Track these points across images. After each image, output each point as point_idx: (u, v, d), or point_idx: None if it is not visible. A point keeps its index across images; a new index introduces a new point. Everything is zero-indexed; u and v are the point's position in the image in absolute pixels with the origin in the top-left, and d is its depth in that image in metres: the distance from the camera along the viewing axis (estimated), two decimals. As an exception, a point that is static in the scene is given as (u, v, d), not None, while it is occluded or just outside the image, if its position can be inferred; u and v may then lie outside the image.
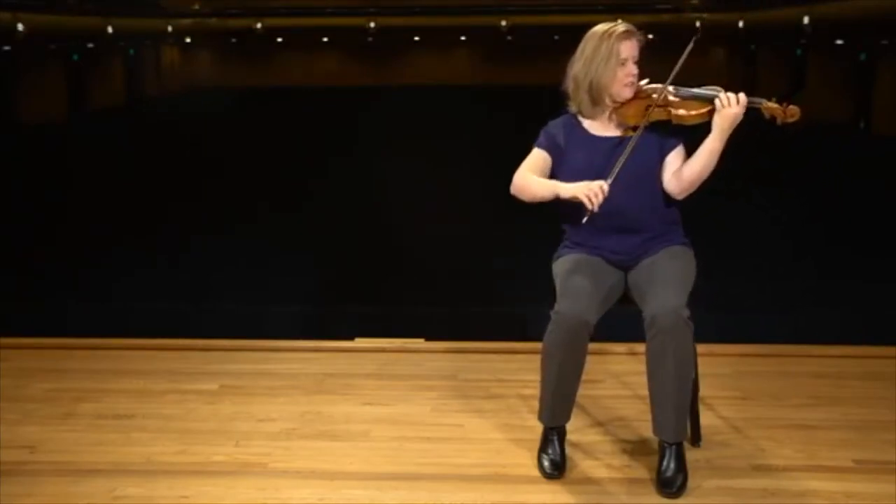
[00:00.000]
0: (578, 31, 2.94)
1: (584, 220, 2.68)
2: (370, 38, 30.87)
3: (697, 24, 25.27)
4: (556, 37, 29.39)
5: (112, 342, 4.07)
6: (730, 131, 2.72)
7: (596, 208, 2.64)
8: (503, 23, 29.41)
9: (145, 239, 9.04)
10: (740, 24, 25.51)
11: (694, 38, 2.84)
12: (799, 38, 22.98)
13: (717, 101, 2.70)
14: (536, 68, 31.78)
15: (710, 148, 2.73)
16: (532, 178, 2.83)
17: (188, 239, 9.17)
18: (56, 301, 6.85)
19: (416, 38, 32.67)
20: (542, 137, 2.91)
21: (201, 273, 7.98)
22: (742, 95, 2.71)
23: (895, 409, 3.26)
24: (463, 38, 32.80)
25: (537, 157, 2.88)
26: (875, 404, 3.32)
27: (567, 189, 2.71)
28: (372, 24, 29.72)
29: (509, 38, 30.66)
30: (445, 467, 2.88)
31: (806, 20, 20.82)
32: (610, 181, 2.67)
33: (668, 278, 2.73)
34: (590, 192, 2.64)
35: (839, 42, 21.23)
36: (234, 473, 2.85)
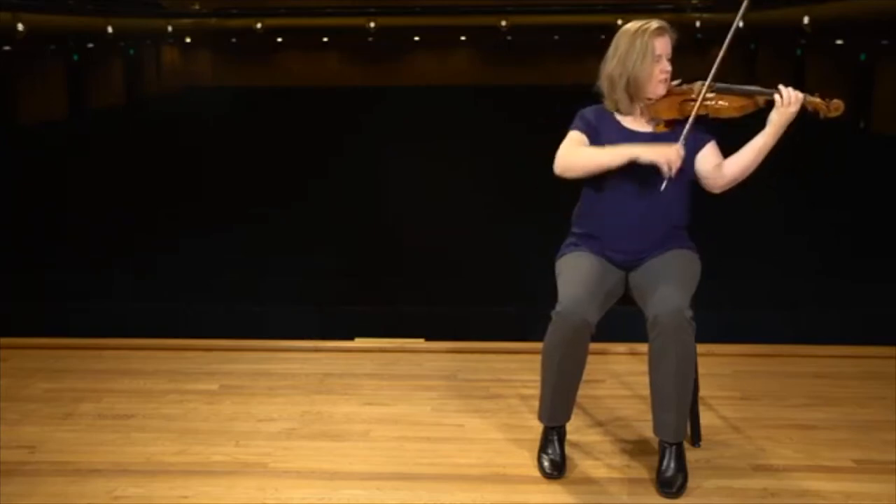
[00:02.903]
0: (578, 31, 2.95)
1: (663, 187, 2.69)
2: (370, 38, 30.86)
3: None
4: (556, 37, 29.42)
5: (112, 342, 4.07)
6: (785, 128, 2.73)
7: (673, 174, 2.66)
8: (503, 23, 29.39)
9: (145, 238, 9.04)
10: (740, 24, 25.49)
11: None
12: (799, 38, 22.98)
13: (777, 99, 2.69)
14: (536, 68, 31.83)
15: (763, 143, 2.74)
16: (591, 149, 2.78)
17: (188, 239, 9.17)
18: (56, 301, 6.84)
19: (416, 38, 32.67)
20: (578, 121, 2.87)
21: (201, 273, 7.98)
22: (798, 92, 2.70)
23: (895, 409, 3.26)
24: (463, 38, 32.78)
25: (578, 139, 2.83)
26: (875, 404, 3.32)
27: (646, 153, 2.67)
28: (372, 24, 29.70)
29: (509, 38, 30.66)
30: (445, 467, 2.88)
31: (806, 20, 20.82)
32: (681, 143, 2.69)
33: (671, 279, 2.73)
34: (669, 158, 2.65)
35: (839, 42, 21.23)
36: (234, 473, 2.85)
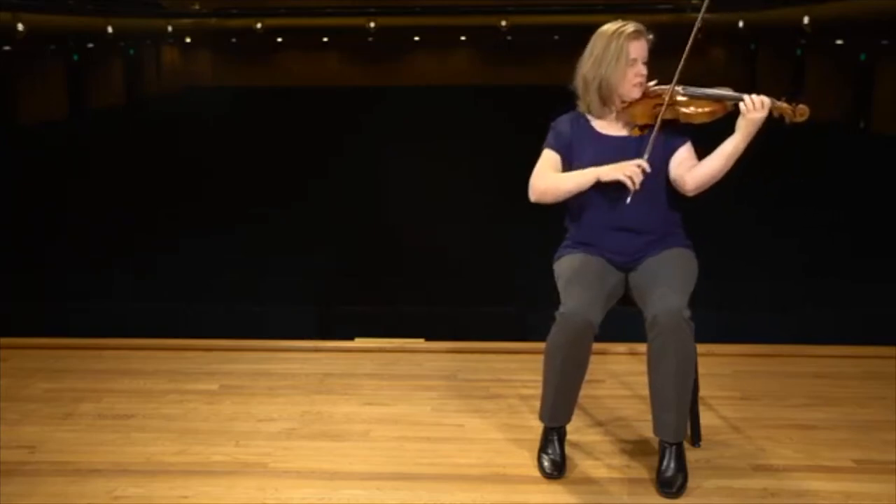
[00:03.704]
0: (578, 31, 2.95)
1: (629, 199, 2.70)
2: (370, 38, 30.87)
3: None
4: (556, 37, 29.41)
5: (112, 342, 4.08)
6: (754, 133, 2.72)
7: (638, 186, 2.67)
8: (503, 23, 29.40)
9: (145, 238, 9.03)
10: (740, 24, 25.48)
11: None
12: (799, 38, 22.98)
13: (742, 106, 2.69)
14: (536, 68, 31.83)
15: (733, 149, 2.73)
16: (559, 176, 2.82)
17: (188, 239, 9.16)
18: (56, 301, 6.84)
19: (416, 38, 32.68)
20: (550, 137, 2.89)
21: (201, 273, 7.97)
22: (765, 98, 2.70)
23: (895, 409, 3.26)
24: (463, 38, 32.79)
25: (551, 159, 2.86)
26: (875, 404, 3.32)
27: (607, 172, 2.71)
28: (372, 24, 29.70)
29: (509, 38, 30.67)
30: (445, 467, 2.88)
31: (806, 20, 20.82)
32: (646, 157, 2.70)
33: (669, 279, 2.73)
34: (630, 171, 2.67)
35: (839, 42, 21.23)
36: (234, 473, 2.85)
